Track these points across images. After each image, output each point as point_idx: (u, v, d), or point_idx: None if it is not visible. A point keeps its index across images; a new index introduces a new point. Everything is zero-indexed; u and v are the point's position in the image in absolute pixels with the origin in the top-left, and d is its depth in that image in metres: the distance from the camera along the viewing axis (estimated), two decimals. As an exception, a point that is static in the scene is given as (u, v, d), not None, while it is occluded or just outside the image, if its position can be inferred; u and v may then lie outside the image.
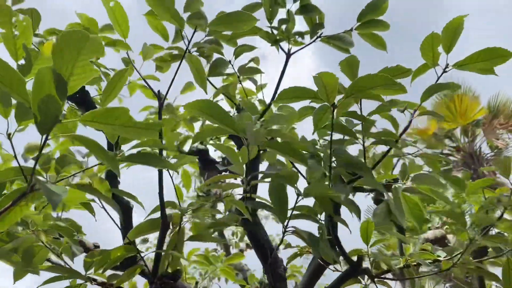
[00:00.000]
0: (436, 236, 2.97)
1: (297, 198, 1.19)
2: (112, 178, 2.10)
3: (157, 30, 2.11)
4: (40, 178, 1.04)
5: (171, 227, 1.49)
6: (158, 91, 1.37)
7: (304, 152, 1.42)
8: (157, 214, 1.33)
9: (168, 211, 1.48)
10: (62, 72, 0.85)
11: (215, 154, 2.70)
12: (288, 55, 2.09)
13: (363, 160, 1.41)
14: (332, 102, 1.27)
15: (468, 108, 10.05)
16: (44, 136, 0.91)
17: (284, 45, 2.12)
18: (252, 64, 2.12)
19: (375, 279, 1.55)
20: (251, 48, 1.98)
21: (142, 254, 1.31)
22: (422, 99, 1.48)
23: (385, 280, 1.54)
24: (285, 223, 1.20)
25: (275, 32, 2.07)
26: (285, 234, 1.22)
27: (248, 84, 2.32)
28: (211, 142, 2.29)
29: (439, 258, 1.50)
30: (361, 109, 1.48)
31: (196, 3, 1.74)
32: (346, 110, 1.54)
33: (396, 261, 1.59)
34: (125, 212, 2.03)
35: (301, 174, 1.56)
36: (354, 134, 1.40)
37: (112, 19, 1.40)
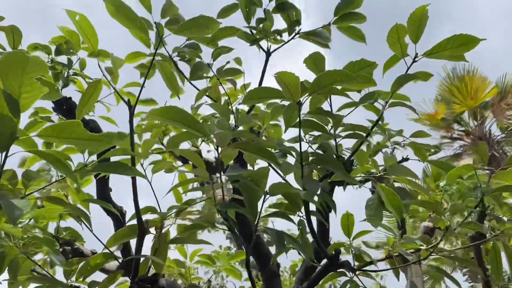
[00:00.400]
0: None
1: (265, 197, 1.21)
2: (103, 186, 2.15)
3: (139, 37, 2.15)
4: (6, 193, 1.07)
5: (155, 231, 1.52)
6: (128, 99, 1.39)
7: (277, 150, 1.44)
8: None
9: (151, 216, 1.51)
10: (12, 91, 0.88)
11: (208, 155, 2.73)
12: (268, 53, 2.11)
13: (334, 155, 1.42)
14: (297, 100, 1.29)
15: (478, 90, 9.91)
16: (4, 153, 0.95)
17: (266, 44, 2.15)
18: (233, 65, 2.13)
19: (357, 272, 1.56)
20: (228, 49, 2.00)
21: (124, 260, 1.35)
22: (392, 90, 1.49)
23: (368, 272, 1.55)
24: (255, 222, 1.22)
25: (254, 32, 2.09)
26: (256, 233, 1.23)
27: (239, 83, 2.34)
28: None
29: (420, 247, 1.51)
30: (330, 105, 1.50)
31: (172, 9, 1.76)
32: (317, 106, 1.56)
33: (380, 252, 1.60)
34: (117, 218, 2.08)
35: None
36: (325, 129, 1.41)
37: (80, 32, 1.43)
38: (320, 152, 1.41)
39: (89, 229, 1.27)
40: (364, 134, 1.46)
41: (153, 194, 1.47)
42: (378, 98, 1.49)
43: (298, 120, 1.34)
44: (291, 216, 1.35)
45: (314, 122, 1.40)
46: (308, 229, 1.43)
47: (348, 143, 1.89)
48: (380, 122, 1.92)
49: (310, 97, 1.38)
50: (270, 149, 1.31)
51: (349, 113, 1.60)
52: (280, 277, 2.12)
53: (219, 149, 1.31)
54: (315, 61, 1.39)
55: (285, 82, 1.24)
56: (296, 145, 1.44)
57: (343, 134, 1.46)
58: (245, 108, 2.23)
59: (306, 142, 1.69)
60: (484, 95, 9.64)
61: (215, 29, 1.42)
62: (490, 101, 9.93)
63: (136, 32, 1.40)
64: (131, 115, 1.36)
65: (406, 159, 2.35)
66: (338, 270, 1.60)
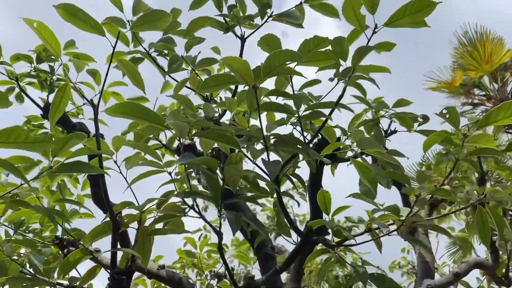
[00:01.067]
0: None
1: (223, 183, 1.23)
2: (95, 186, 2.21)
3: (116, 36, 2.18)
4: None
5: (139, 225, 1.57)
6: (91, 99, 1.43)
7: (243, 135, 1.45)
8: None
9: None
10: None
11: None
12: (243, 39, 2.11)
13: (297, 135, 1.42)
14: (251, 84, 1.29)
15: (493, 53, 9.60)
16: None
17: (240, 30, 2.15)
18: (212, 54, 2.15)
19: (340, 248, 1.57)
20: (200, 39, 2.01)
21: (98, 254, 1.40)
22: (353, 63, 1.47)
23: (349, 247, 1.56)
24: (219, 209, 1.24)
25: (228, 19, 2.10)
26: (221, 218, 1.26)
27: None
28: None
29: (400, 218, 1.50)
30: (292, 86, 1.50)
31: (142, 6, 1.79)
32: (283, 89, 1.56)
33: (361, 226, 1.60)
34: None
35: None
36: (286, 109, 1.42)
37: (41, 38, 1.47)
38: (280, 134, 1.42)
39: (62, 227, 1.31)
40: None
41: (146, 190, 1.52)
42: (340, 75, 1.47)
43: (257, 103, 1.35)
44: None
45: (274, 104, 1.40)
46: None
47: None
48: (362, 96, 1.91)
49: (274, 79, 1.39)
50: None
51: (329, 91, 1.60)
52: (275, 259, 2.15)
53: (181, 139, 1.34)
54: (268, 43, 1.39)
55: (234, 68, 1.25)
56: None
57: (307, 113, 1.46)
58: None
59: (291, 124, 1.70)
60: (499, 59, 9.33)
61: (168, 22, 1.43)
62: (509, 62, 9.62)
63: (92, 32, 1.42)
64: (95, 114, 1.40)
65: (394, 132, 2.33)
66: (323, 247, 1.62)
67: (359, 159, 1.57)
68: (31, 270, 1.43)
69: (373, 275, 1.51)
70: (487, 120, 1.51)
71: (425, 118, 2.10)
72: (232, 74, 1.31)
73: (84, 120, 2.41)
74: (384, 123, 2.38)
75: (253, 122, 2.08)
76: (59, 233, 2.13)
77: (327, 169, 2.15)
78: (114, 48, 1.44)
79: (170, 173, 1.32)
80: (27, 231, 2.02)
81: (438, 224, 1.81)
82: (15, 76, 2.13)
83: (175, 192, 1.31)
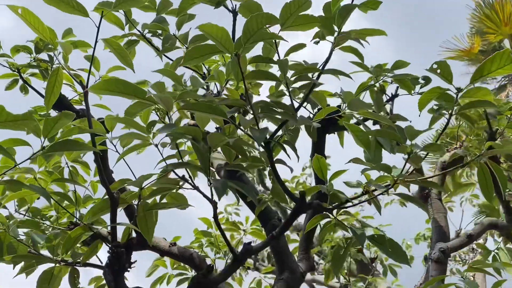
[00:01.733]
0: (454, 157, 2.88)
1: (210, 151, 1.24)
2: (103, 165, 2.26)
3: (111, 21, 2.20)
4: None
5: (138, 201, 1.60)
6: (80, 80, 1.46)
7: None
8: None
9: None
10: None
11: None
12: (235, 13, 2.10)
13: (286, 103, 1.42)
14: (232, 51, 1.29)
15: (512, 14, 9.27)
16: None
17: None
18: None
19: (339, 212, 1.57)
20: (190, 16, 2.01)
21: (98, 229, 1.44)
22: (338, 23, 1.45)
23: (347, 210, 1.56)
24: (208, 178, 1.26)
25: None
26: (211, 187, 1.28)
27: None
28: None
29: (395, 178, 1.49)
30: (277, 51, 1.49)
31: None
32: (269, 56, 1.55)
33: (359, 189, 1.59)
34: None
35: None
36: (273, 76, 1.41)
37: (28, 24, 1.49)
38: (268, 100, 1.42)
39: (59, 205, 1.36)
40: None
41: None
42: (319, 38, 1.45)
43: (241, 72, 1.35)
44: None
45: (260, 72, 1.40)
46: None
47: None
48: (359, 60, 1.88)
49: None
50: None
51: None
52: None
53: (169, 113, 1.35)
54: (250, 9, 1.38)
55: (213, 36, 1.25)
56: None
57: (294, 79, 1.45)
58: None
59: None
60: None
61: (143, 3, 1.44)
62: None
63: (75, 13, 1.44)
64: (85, 94, 1.42)
65: (396, 96, 2.29)
66: (323, 213, 1.63)
67: (352, 123, 1.56)
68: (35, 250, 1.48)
69: (373, 236, 1.51)
70: (481, 72, 1.48)
71: (427, 80, 2.05)
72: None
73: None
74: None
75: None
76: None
77: (336, 140, 2.15)
78: (98, 27, 1.45)
79: (156, 145, 1.34)
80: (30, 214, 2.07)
81: (454, 192, 1.75)
82: (16, 67, 2.17)
83: (165, 164, 1.33)
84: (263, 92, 2.45)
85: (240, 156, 1.46)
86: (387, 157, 1.69)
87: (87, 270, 1.75)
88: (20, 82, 2.26)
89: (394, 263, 4.63)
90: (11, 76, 2.26)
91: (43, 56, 2.20)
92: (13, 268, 1.53)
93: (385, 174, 1.58)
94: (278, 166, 1.49)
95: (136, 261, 1.36)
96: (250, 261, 5.26)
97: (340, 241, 1.51)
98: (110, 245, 1.36)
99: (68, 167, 2.33)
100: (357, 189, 1.63)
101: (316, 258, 4.78)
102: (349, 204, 1.52)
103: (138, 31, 2.14)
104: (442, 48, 10.08)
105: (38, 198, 1.59)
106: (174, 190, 1.51)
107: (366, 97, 1.98)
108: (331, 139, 2.27)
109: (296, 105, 1.52)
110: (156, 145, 1.34)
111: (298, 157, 1.44)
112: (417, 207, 1.72)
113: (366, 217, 3.84)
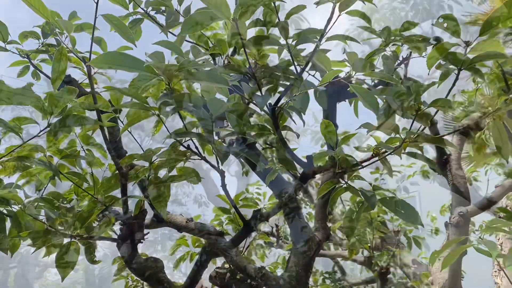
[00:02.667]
0: (474, 121, 2.82)
1: (212, 121, 1.24)
2: (117, 145, 2.29)
3: (115, 1, 2.21)
4: None
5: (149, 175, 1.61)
6: (83, 57, 1.47)
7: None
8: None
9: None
10: None
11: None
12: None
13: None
14: (230, 17, 1.28)
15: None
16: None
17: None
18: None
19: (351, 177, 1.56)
20: (190, -10, 1.99)
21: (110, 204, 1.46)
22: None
23: (358, 174, 1.54)
24: (212, 146, 1.26)
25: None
26: (217, 158, 1.28)
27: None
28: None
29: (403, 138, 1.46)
30: (278, 16, 1.46)
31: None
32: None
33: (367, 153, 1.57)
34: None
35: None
36: (274, 40, 1.39)
37: (30, 6, 1.50)
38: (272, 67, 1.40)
39: (78, 186, 1.38)
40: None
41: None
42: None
43: (240, 38, 1.34)
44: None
45: (260, 37, 1.38)
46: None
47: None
48: (368, 25, 1.86)
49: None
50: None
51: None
52: (296, 201, 2.16)
53: (170, 84, 1.35)
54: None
55: (211, 3, 1.24)
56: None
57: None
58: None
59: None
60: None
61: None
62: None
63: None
64: (89, 71, 1.44)
65: (408, 58, 2.24)
66: (335, 178, 1.62)
67: (354, 83, 1.53)
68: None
69: (384, 199, 1.49)
70: (490, 23, 1.43)
71: (438, 41, 2.00)
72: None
73: (99, 90, 2.47)
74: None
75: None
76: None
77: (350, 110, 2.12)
78: (97, 3, 1.45)
79: (158, 115, 1.34)
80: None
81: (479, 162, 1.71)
82: (25, 53, 2.20)
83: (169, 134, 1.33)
84: (271, 63, 2.43)
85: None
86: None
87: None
88: (31, 68, 2.29)
89: (418, 234, 4.60)
90: (22, 64, 2.29)
91: (51, 41, 2.22)
92: (33, 246, 1.58)
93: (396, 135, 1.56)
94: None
95: (148, 232, 1.38)
96: (273, 238, 5.30)
97: (352, 205, 1.49)
98: (122, 218, 1.38)
99: (84, 150, 2.37)
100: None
101: (339, 234, 4.78)
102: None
103: (142, 9, 2.13)
104: (466, 14, 9.80)
105: (52, 177, 1.62)
106: (182, 163, 1.52)
107: (379, 65, 1.95)
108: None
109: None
110: (158, 115, 1.35)
111: (303, 122, 1.43)
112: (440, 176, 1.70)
113: (389, 189, 3.80)
